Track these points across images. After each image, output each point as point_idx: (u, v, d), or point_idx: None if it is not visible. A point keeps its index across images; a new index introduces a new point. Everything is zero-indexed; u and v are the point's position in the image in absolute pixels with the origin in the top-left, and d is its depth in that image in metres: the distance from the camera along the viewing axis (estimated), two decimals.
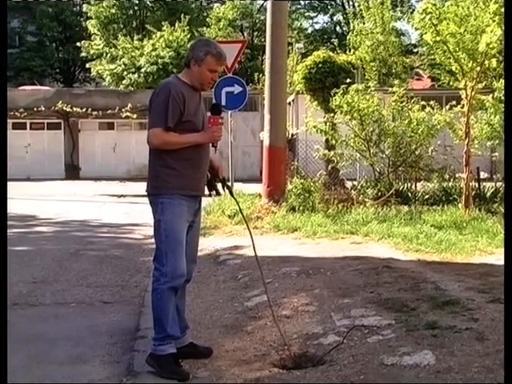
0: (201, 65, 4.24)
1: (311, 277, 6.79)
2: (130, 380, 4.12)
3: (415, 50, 40.03)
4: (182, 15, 32.05)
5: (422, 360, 4.04)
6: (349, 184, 14.56)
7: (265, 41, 14.28)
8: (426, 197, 13.28)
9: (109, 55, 32.57)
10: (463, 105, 11.83)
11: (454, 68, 11.43)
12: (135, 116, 26.94)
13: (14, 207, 13.28)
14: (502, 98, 11.76)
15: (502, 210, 9.60)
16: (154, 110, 4.18)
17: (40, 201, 17.13)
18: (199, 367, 4.27)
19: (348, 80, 14.38)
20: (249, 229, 4.93)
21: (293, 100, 24.70)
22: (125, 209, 14.93)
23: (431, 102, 13.48)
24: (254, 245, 4.75)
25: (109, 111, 27.00)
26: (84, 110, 26.67)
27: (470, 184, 11.74)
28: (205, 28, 37.86)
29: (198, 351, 4.48)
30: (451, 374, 3.82)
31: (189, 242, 4.34)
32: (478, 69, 10.98)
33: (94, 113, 26.88)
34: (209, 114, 4.37)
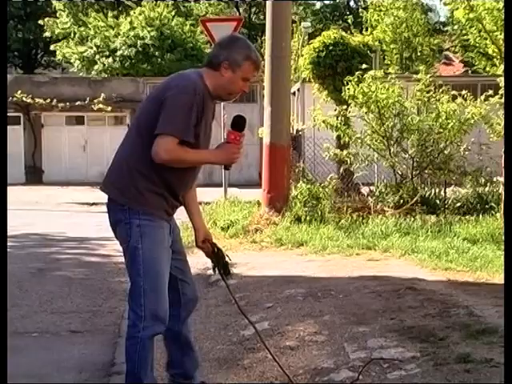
0: (236, 71, 4.03)
1: (320, 300, 6.79)
2: None
3: (444, 29, 40.19)
4: None
5: None
6: (365, 190, 14.58)
7: (264, 19, 14.33)
8: (458, 205, 13.30)
9: (77, 35, 32.69)
10: (502, 95, 11.87)
11: (490, 50, 11.51)
12: (109, 108, 26.99)
13: None
14: None
15: None
16: (169, 112, 3.91)
17: None
18: None
19: (364, 65, 14.42)
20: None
21: (298, 89, 24.75)
22: (97, 220, 14.90)
23: (463, 92, 13.52)
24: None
25: (78, 103, 27.05)
26: (48, 101, 26.72)
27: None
28: (193, 3, 38.01)
29: None
30: None
31: (182, 269, 4.25)
32: None
33: (60, 104, 26.94)
34: (229, 128, 4.15)
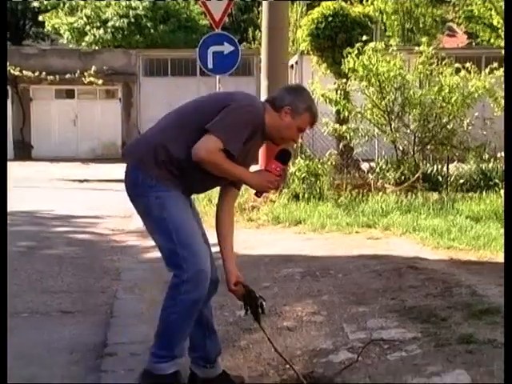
0: (295, 118, 4.21)
1: (319, 280, 6.81)
2: None
3: (448, 0, 40.01)
4: None
5: (454, 381, 4.07)
6: (365, 166, 14.58)
7: None
8: (461, 181, 13.33)
9: (67, 5, 32.49)
10: None
11: (495, 22, 11.50)
12: (100, 82, 26.93)
13: None
14: None
15: None
16: (227, 118, 4.05)
17: None
18: None
19: (364, 37, 14.35)
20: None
21: (296, 62, 24.69)
22: (88, 197, 14.93)
23: (467, 64, 13.50)
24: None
25: (68, 75, 26.98)
26: (37, 73, 26.65)
27: None
28: None
29: (229, 381, 4.44)
30: None
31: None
32: None
33: (50, 77, 26.86)
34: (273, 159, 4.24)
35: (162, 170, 4.09)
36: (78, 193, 16.10)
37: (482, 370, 4.18)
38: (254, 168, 4.37)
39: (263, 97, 12.52)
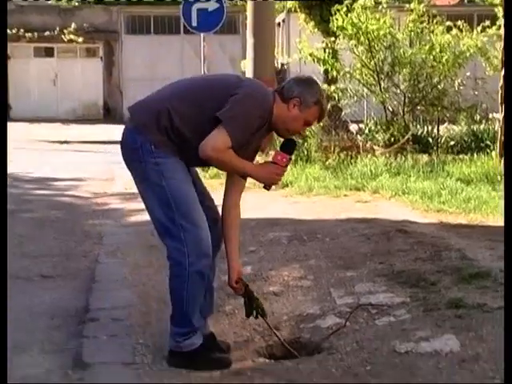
0: (303, 110, 4.19)
1: (306, 244, 6.83)
2: (78, 373, 4.13)
3: None
4: None
5: (443, 346, 4.10)
6: (354, 127, 14.58)
7: None
8: (451, 143, 13.37)
9: None
10: (500, 25, 11.82)
11: None
12: (81, 39, 26.67)
13: None
14: None
15: None
16: (238, 111, 4.04)
17: None
18: (165, 357, 4.31)
19: None
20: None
21: (283, 20, 24.54)
22: (69, 159, 14.86)
23: (459, 23, 13.45)
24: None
25: (47, 33, 26.71)
26: (14, 31, 26.33)
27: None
28: None
29: (216, 345, 4.46)
30: (479, 363, 3.88)
31: (206, 213, 4.24)
32: None
33: (28, 35, 26.60)
34: (278, 149, 4.26)
35: (164, 136, 4.07)
36: (58, 154, 16.02)
37: (471, 334, 4.22)
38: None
39: (249, 55, 12.47)
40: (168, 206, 4.07)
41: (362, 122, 14.94)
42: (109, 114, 28.66)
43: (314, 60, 13.80)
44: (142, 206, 4.37)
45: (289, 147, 4.26)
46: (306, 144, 12.05)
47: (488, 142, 12.80)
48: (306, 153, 11.87)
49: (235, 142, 4.01)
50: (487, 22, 13.28)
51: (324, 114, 4.35)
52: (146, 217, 4.52)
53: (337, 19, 13.27)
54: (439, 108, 13.69)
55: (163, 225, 4.13)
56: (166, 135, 4.06)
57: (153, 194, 4.13)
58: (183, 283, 4.09)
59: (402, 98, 13.54)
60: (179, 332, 4.19)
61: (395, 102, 13.72)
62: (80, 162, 14.17)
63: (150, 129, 4.07)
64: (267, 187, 4.32)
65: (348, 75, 13.61)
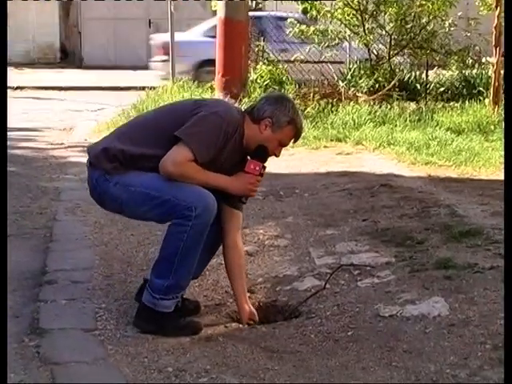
0: (276, 132, 4.21)
1: (282, 200, 6.84)
2: (34, 340, 4.12)
3: None
4: None
5: (430, 310, 4.13)
6: (335, 72, 14.52)
7: None
8: (441, 89, 13.38)
9: None
10: None
11: None
12: None
13: None
14: None
15: None
16: (197, 127, 4.06)
17: None
18: (129, 323, 4.32)
19: None
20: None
21: None
22: (23, 106, 14.71)
23: None
24: None
25: None
26: None
27: (502, 72, 11.81)
28: None
29: (184, 306, 4.47)
30: (469, 327, 3.91)
31: None
32: None
33: None
34: (249, 157, 4.25)
35: (115, 162, 4.12)
36: (10, 102, 15.85)
37: (461, 297, 4.24)
38: None
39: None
40: (156, 197, 4.08)
41: (342, 63, 14.83)
42: (66, 58, 28.39)
43: None
44: None
45: (261, 154, 4.25)
46: (283, 91, 12.01)
47: (481, 89, 12.82)
48: None
49: (199, 157, 4.01)
50: None
51: (300, 133, 4.36)
52: None
53: None
54: (428, 51, 13.65)
55: (170, 212, 4.09)
56: (117, 161, 4.12)
57: (136, 207, 4.16)
58: (183, 233, 4.05)
59: (388, 41, 13.49)
60: (158, 286, 4.13)
61: (380, 45, 13.68)
62: (35, 110, 14.04)
63: (101, 160, 4.15)
64: (244, 200, 4.37)
65: (329, 15, 13.52)
